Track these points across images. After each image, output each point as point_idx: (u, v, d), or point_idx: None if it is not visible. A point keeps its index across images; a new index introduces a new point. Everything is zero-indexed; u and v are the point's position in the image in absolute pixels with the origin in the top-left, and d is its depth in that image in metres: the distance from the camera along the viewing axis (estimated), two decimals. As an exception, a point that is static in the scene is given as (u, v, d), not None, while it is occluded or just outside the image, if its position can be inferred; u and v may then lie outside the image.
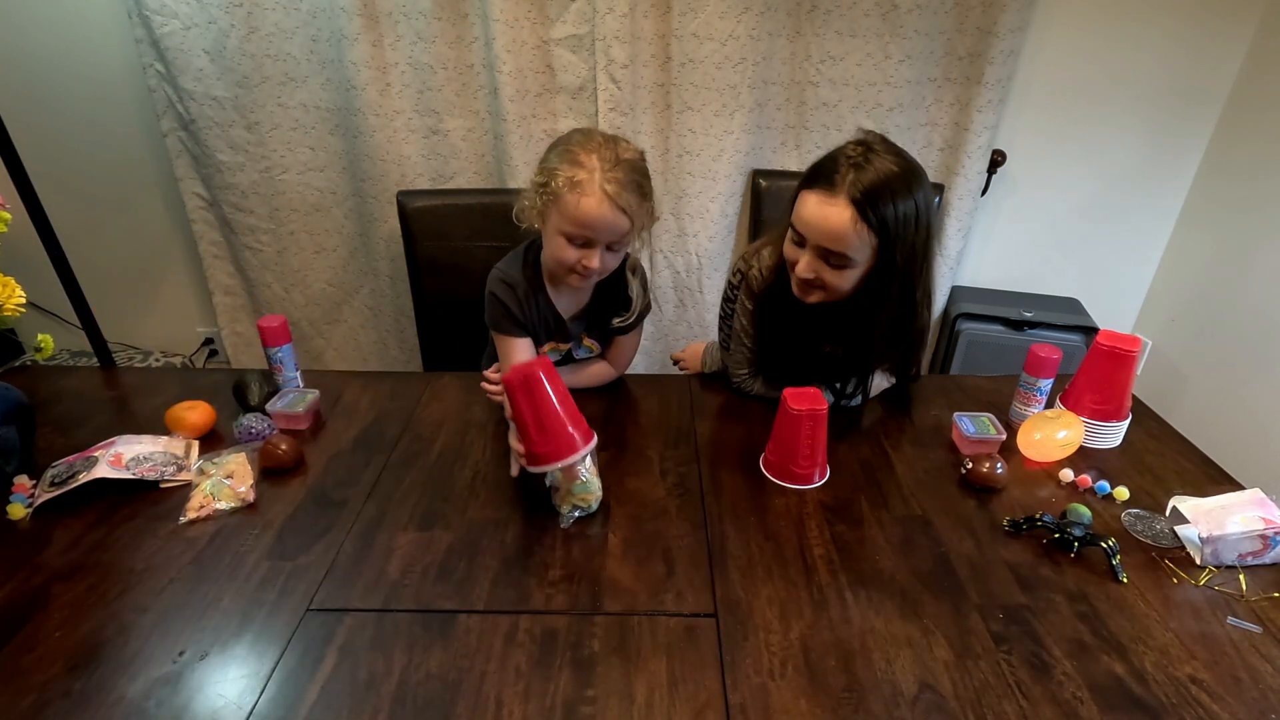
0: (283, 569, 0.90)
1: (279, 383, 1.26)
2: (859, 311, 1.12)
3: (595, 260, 1.10)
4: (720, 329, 1.31)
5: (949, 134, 1.94)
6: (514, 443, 1.01)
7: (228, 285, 2.18)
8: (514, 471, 1.03)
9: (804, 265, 1.08)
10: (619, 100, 1.85)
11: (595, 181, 1.05)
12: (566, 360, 1.33)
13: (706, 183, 1.98)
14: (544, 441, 0.95)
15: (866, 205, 1.00)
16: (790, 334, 1.21)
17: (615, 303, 1.26)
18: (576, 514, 0.99)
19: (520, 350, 1.21)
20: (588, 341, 1.30)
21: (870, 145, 1.03)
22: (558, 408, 0.96)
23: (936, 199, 1.98)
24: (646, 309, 1.30)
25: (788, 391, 1.05)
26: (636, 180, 1.08)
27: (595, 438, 0.99)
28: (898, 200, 1.00)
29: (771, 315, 1.21)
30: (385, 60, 1.84)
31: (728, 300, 1.27)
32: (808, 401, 1.03)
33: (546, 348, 1.28)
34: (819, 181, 1.03)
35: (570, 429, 0.96)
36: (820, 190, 1.03)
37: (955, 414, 1.19)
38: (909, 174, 1.02)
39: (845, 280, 1.08)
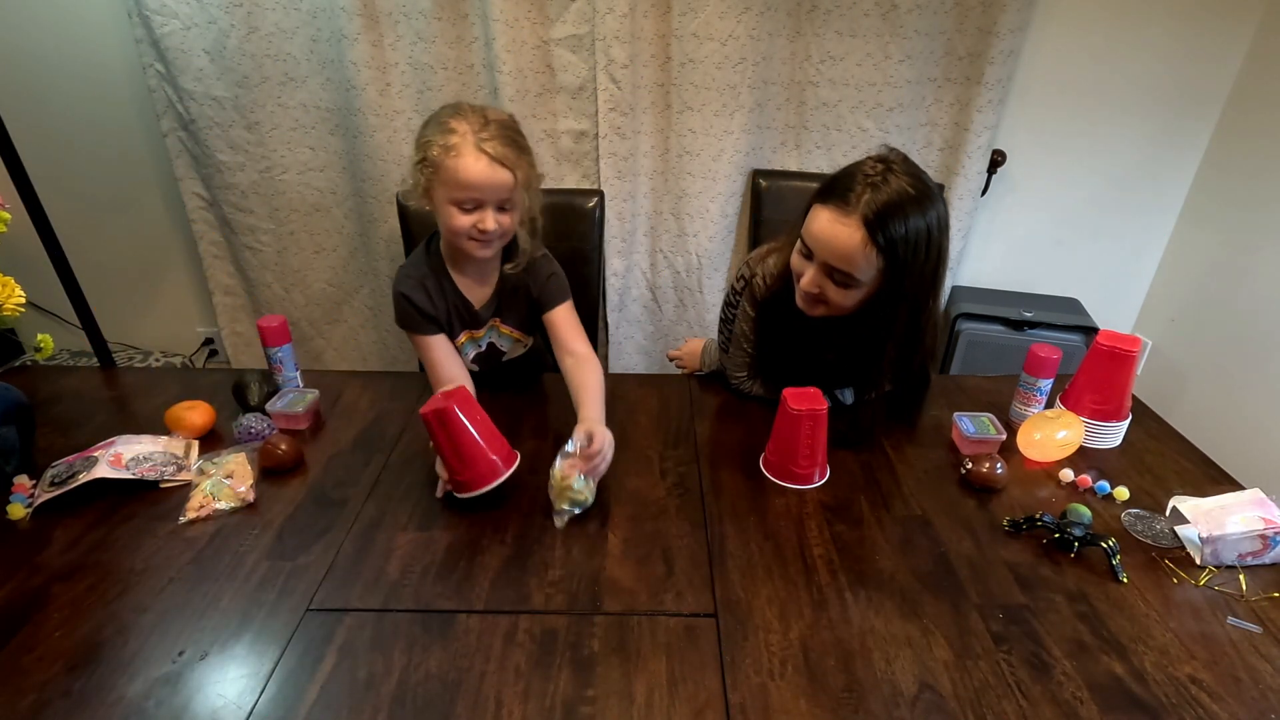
0: (282, 569, 0.90)
1: (279, 383, 1.26)
2: (863, 329, 1.11)
3: (489, 221, 1.09)
4: (720, 331, 1.31)
5: (949, 134, 1.94)
6: (439, 469, 1.02)
7: (228, 285, 2.18)
8: (438, 493, 1.04)
9: (809, 279, 1.07)
10: (619, 100, 1.85)
11: (469, 142, 1.06)
12: (491, 355, 1.31)
13: (706, 183, 1.98)
14: (464, 469, 0.98)
15: (878, 228, 0.98)
16: (791, 343, 1.21)
17: (523, 287, 1.25)
18: (574, 511, 0.99)
19: (438, 347, 1.21)
20: (505, 329, 1.30)
21: (890, 165, 1.01)
22: (475, 437, 0.98)
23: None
24: (543, 260, 1.25)
25: (788, 391, 1.05)
26: (510, 135, 1.09)
27: (518, 459, 1.02)
28: (910, 225, 0.99)
29: (773, 323, 1.21)
30: (385, 60, 1.84)
31: (729, 305, 1.27)
32: (808, 401, 1.03)
33: (462, 338, 1.27)
34: (834, 197, 1.02)
35: (491, 455, 0.99)
36: (834, 207, 1.01)
37: (955, 414, 1.19)
38: (925, 198, 1.00)
39: (849, 299, 1.07)
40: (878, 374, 1.15)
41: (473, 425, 0.97)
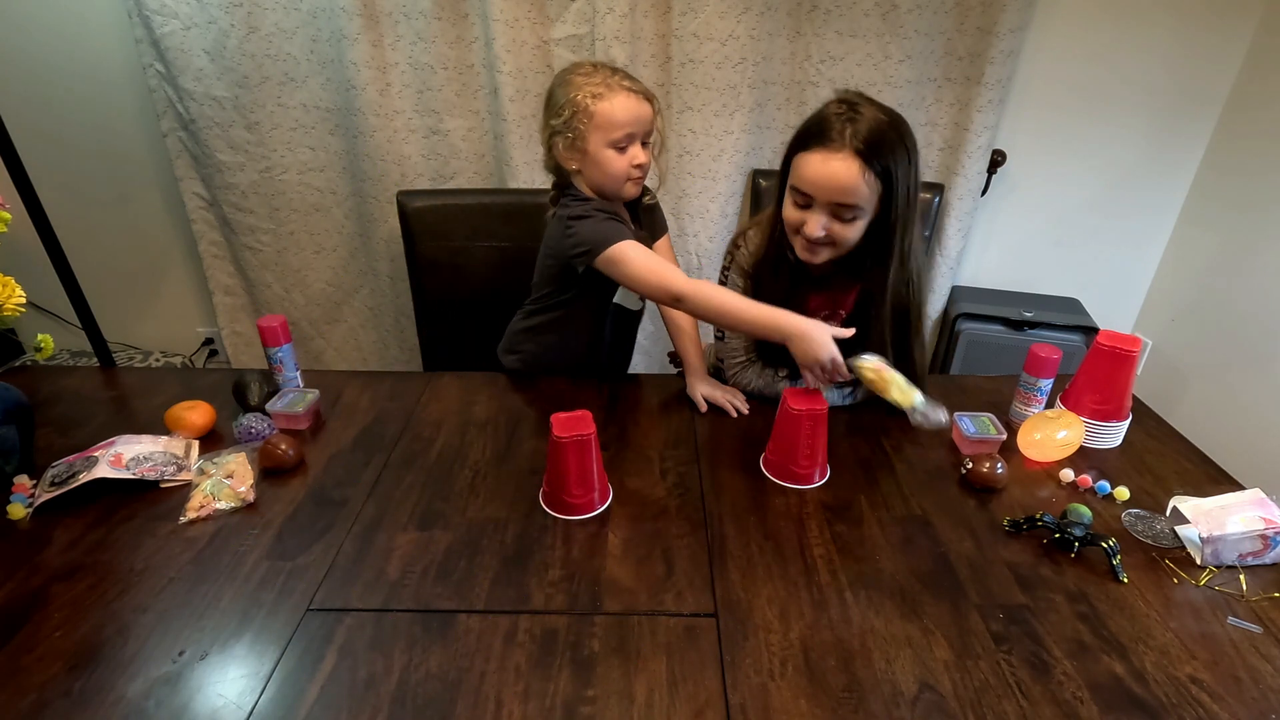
0: (282, 569, 0.90)
1: (279, 383, 1.26)
2: (858, 266, 1.14)
3: (642, 155, 1.20)
4: None
5: (949, 134, 1.94)
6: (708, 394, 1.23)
7: (228, 285, 2.19)
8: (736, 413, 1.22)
9: (813, 225, 1.08)
10: (619, 100, 1.85)
11: (614, 85, 1.16)
12: None
13: (706, 183, 1.98)
14: (585, 493, 0.99)
15: (871, 154, 1.02)
16: (784, 303, 1.20)
17: (639, 220, 1.34)
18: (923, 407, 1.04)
19: (640, 244, 1.19)
20: None
21: (853, 102, 1.05)
22: (593, 467, 0.99)
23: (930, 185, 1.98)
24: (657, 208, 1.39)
25: (788, 391, 1.05)
26: (630, 75, 1.21)
27: (610, 495, 1.04)
28: (895, 147, 1.03)
29: (765, 287, 1.21)
30: (385, 60, 1.84)
31: (720, 283, 1.27)
32: (807, 401, 1.03)
33: None
34: (815, 141, 1.05)
35: (595, 489, 1.01)
36: (820, 148, 1.04)
37: (955, 414, 1.19)
38: (897, 122, 1.05)
39: (854, 231, 1.09)
40: (880, 319, 1.15)
41: (595, 456, 0.99)
